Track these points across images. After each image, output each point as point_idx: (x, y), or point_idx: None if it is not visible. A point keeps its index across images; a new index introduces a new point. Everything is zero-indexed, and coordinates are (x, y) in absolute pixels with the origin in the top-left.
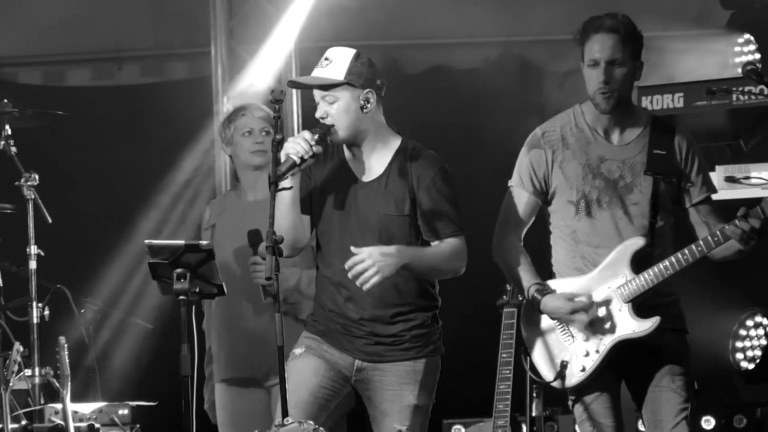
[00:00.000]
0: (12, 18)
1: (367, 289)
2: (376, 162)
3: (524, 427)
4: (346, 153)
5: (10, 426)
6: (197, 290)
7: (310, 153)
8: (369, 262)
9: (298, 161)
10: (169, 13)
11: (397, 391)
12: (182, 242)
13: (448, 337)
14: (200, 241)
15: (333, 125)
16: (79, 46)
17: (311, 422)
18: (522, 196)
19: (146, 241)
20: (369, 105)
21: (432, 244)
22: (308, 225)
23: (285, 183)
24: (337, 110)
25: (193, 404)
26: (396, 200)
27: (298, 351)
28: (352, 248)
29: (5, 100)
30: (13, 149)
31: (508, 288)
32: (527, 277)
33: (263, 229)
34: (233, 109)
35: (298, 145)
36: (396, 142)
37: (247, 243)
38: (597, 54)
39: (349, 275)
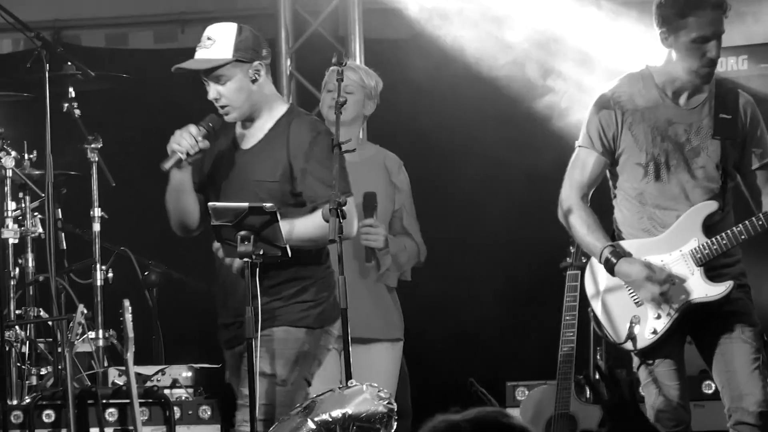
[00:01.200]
0: None
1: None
2: (258, 129)
3: (587, 390)
4: (238, 125)
5: (75, 387)
6: (261, 252)
7: (197, 148)
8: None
9: (184, 157)
10: None
11: (259, 363)
12: (246, 204)
13: (511, 300)
14: (264, 203)
15: (228, 105)
16: (142, 8)
17: (375, 384)
18: (591, 157)
19: (210, 204)
20: (260, 77)
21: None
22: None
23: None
24: (229, 90)
25: (256, 367)
26: (270, 166)
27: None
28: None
29: (68, 63)
30: (77, 112)
31: (571, 250)
32: (599, 238)
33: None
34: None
35: (183, 140)
36: (281, 109)
37: (362, 204)
38: (709, 30)
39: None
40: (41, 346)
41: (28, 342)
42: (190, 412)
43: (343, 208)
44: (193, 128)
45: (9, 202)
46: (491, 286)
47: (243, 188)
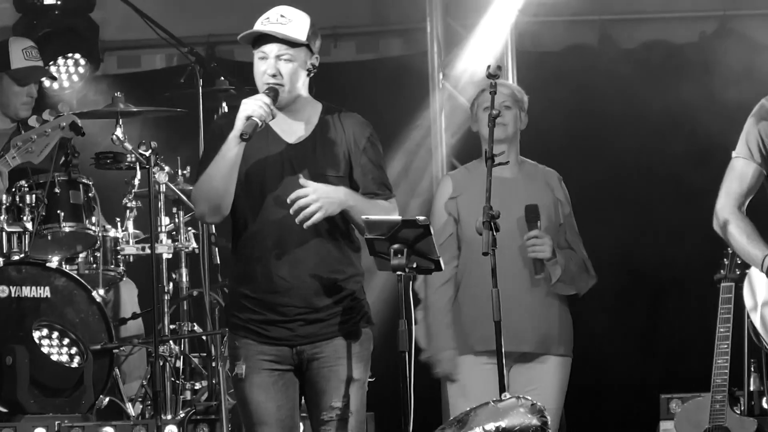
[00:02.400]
0: None
1: (307, 226)
2: (302, 124)
3: (742, 401)
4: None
5: (228, 402)
6: (414, 266)
7: (270, 118)
8: (314, 197)
9: (260, 123)
10: None
11: (332, 367)
12: (399, 218)
13: (667, 312)
14: (417, 217)
15: (283, 86)
16: None
17: (529, 398)
18: (749, 168)
19: (363, 217)
20: (314, 70)
21: None
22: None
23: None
24: (290, 70)
25: (411, 380)
26: (331, 159)
27: (241, 371)
28: (301, 180)
29: (222, 78)
30: None
31: (725, 262)
32: (760, 247)
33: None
34: (482, 86)
35: (260, 108)
36: (318, 104)
37: (525, 217)
38: None
39: (291, 210)
40: (195, 360)
41: (182, 357)
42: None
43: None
44: (265, 97)
45: (163, 217)
46: (643, 298)
47: (307, 179)
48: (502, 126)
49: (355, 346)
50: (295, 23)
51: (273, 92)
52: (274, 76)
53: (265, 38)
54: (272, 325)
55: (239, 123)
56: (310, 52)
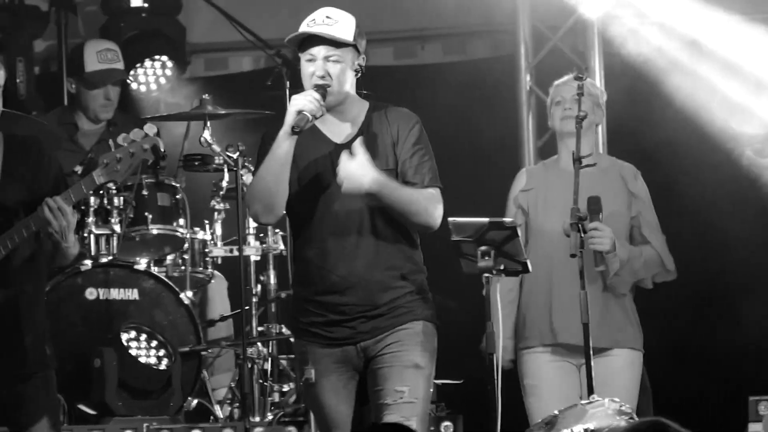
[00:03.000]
0: None
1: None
2: (350, 124)
3: None
4: (318, 121)
5: None
6: (502, 267)
7: (320, 113)
8: (344, 175)
9: (310, 117)
10: None
11: (396, 353)
12: (486, 219)
13: (753, 313)
14: (504, 218)
15: (331, 86)
16: (381, 25)
17: (617, 399)
18: None
19: (450, 219)
20: (361, 71)
21: None
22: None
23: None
24: (338, 71)
25: (498, 381)
26: (379, 157)
27: (310, 376)
28: (355, 144)
29: None
30: None
31: None
32: None
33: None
34: (560, 80)
35: (310, 103)
36: (365, 103)
37: (587, 209)
38: None
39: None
40: (283, 362)
41: (270, 359)
42: (432, 428)
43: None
44: (316, 93)
45: (250, 219)
46: (729, 299)
47: None
48: (570, 113)
49: (419, 335)
50: (341, 24)
51: (322, 89)
52: (322, 77)
53: (312, 40)
54: (335, 326)
55: (290, 117)
56: (357, 53)
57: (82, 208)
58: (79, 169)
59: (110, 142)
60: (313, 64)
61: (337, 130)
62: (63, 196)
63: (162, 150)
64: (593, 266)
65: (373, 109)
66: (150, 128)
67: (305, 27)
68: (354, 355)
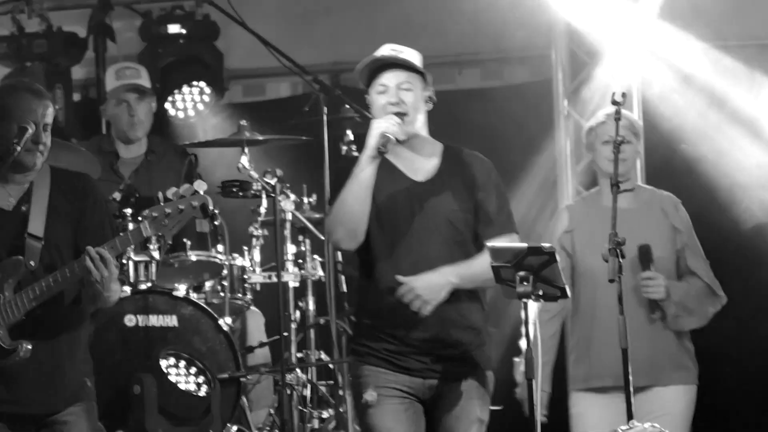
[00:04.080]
0: (355, 23)
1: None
2: (426, 162)
3: None
4: (394, 158)
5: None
6: (540, 293)
7: (401, 137)
8: (415, 293)
9: (394, 140)
10: (509, 17)
11: (464, 407)
12: (525, 245)
13: None
14: (543, 244)
15: (406, 114)
16: (419, 50)
17: (657, 425)
18: None
19: (489, 244)
20: (431, 103)
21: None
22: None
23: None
24: (412, 98)
25: (538, 407)
26: (459, 198)
27: (372, 398)
28: (398, 277)
29: (346, 106)
30: (356, 154)
31: None
32: None
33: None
34: (601, 116)
35: (393, 126)
36: (438, 143)
37: (638, 258)
38: None
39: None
40: (323, 389)
41: (309, 385)
42: None
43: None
44: (395, 117)
45: (289, 245)
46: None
47: (435, 221)
48: (621, 161)
49: (485, 386)
50: (408, 53)
51: (400, 116)
52: (397, 104)
53: (382, 72)
54: (406, 356)
55: (373, 140)
56: (425, 83)
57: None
58: (117, 196)
59: (159, 195)
60: (386, 95)
61: (413, 167)
62: (108, 245)
63: (211, 208)
64: (649, 314)
65: (448, 150)
66: (200, 185)
67: (367, 63)
68: (420, 386)
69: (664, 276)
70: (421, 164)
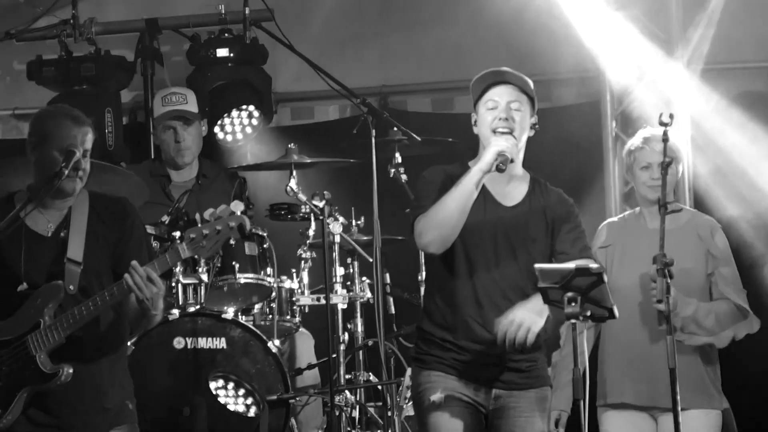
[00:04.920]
0: (403, 46)
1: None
2: (515, 188)
3: None
4: (489, 182)
5: None
6: (589, 314)
7: (515, 158)
8: (518, 322)
9: (510, 159)
10: (558, 38)
11: (528, 418)
12: (572, 266)
13: None
14: (590, 265)
15: (513, 132)
16: (467, 72)
17: None
18: None
19: (536, 266)
20: (533, 130)
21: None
22: None
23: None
24: (520, 118)
25: (585, 425)
26: (539, 229)
27: (438, 398)
28: (498, 321)
29: (394, 129)
30: (404, 177)
31: None
32: None
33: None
34: (638, 140)
35: (511, 146)
36: (527, 175)
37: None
38: None
39: (507, 346)
40: (371, 410)
41: (358, 406)
42: None
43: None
44: (510, 137)
45: (337, 267)
46: None
47: (517, 246)
48: (656, 188)
49: (546, 400)
50: (519, 75)
51: (507, 133)
52: (506, 120)
53: (493, 88)
54: (474, 366)
55: (490, 157)
56: (533, 109)
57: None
58: (166, 219)
59: (197, 216)
60: (495, 111)
61: (503, 191)
62: (150, 266)
63: (248, 228)
64: (657, 324)
65: (535, 180)
66: (237, 206)
67: (481, 76)
68: (485, 397)
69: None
70: (511, 189)
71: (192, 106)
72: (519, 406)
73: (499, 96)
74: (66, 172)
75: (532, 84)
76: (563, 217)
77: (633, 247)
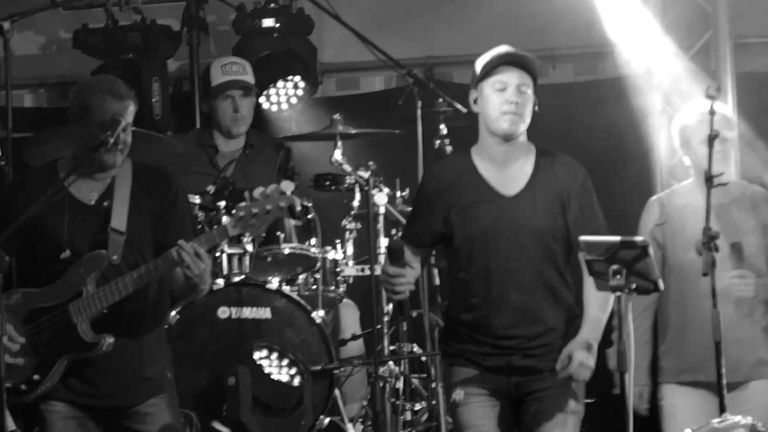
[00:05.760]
0: (450, 17)
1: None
2: (518, 171)
3: None
4: (477, 161)
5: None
6: (634, 287)
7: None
8: (576, 365)
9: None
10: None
11: (554, 399)
12: (618, 238)
13: None
14: (636, 237)
15: (521, 114)
16: (513, 44)
17: (749, 417)
18: None
19: (581, 238)
20: (535, 110)
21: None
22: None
23: None
24: (527, 101)
25: (630, 400)
26: (548, 214)
27: (459, 397)
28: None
29: (440, 100)
30: (449, 149)
31: None
32: None
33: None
34: (695, 115)
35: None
36: (532, 149)
37: (728, 255)
38: None
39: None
40: (415, 381)
41: (402, 377)
42: None
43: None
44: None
45: (382, 238)
46: None
47: (525, 239)
48: (720, 158)
49: (569, 379)
50: (528, 57)
51: (515, 116)
52: (517, 104)
53: (500, 69)
54: (490, 357)
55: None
56: (535, 89)
57: (215, 227)
58: (211, 188)
59: (246, 194)
60: (504, 93)
61: (504, 178)
62: (195, 242)
63: (298, 209)
64: (738, 311)
65: (540, 158)
66: (287, 186)
67: (497, 55)
68: (506, 385)
69: (754, 274)
70: (513, 174)
71: (250, 77)
72: (543, 388)
73: (510, 78)
74: (111, 140)
75: (539, 65)
76: (574, 192)
77: (688, 222)
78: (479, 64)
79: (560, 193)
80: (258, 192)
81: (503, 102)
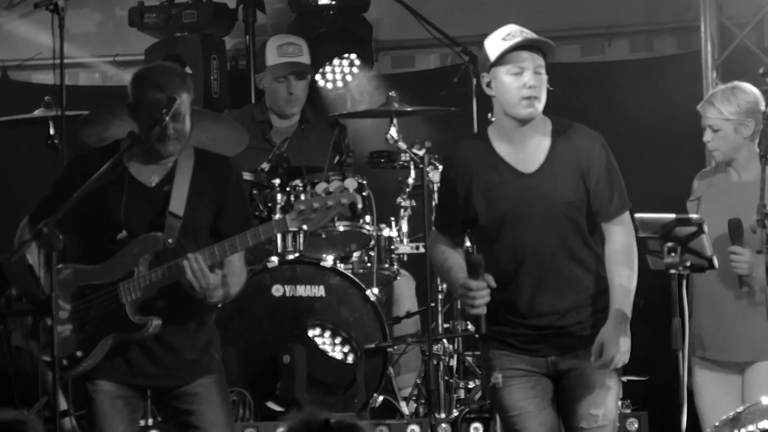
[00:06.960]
0: None
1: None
2: (535, 148)
3: None
4: (495, 141)
5: None
6: (688, 264)
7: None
8: (614, 352)
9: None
10: None
11: (591, 375)
12: (673, 216)
13: None
14: (691, 215)
15: (538, 98)
16: (569, 22)
17: None
18: None
19: (637, 216)
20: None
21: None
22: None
23: None
24: (543, 84)
25: (683, 378)
26: (570, 186)
27: (497, 381)
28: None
29: None
30: None
31: None
32: None
33: (744, 216)
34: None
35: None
36: (547, 123)
37: (727, 231)
38: None
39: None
40: (469, 359)
41: (456, 355)
42: (618, 425)
43: None
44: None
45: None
46: None
47: (548, 215)
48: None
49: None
50: (545, 41)
51: (534, 100)
52: (535, 88)
53: (515, 51)
54: (524, 337)
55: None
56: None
57: (269, 205)
58: (266, 166)
59: (308, 189)
60: (520, 77)
61: (522, 156)
62: (251, 233)
63: (359, 207)
64: (738, 286)
65: (557, 131)
66: (350, 183)
67: (511, 40)
68: (542, 364)
69: (751, 251)
70: (531, 151)
71: (306, 57)
72: (580, 367)
73: (525, 62)
74: (167, 118)
75: (552, 46)
76: (593, 161)
77: (720, 199)
78: (491, 49)
79: (579, 163)
80: (321, 187)
81: (521, 87)
